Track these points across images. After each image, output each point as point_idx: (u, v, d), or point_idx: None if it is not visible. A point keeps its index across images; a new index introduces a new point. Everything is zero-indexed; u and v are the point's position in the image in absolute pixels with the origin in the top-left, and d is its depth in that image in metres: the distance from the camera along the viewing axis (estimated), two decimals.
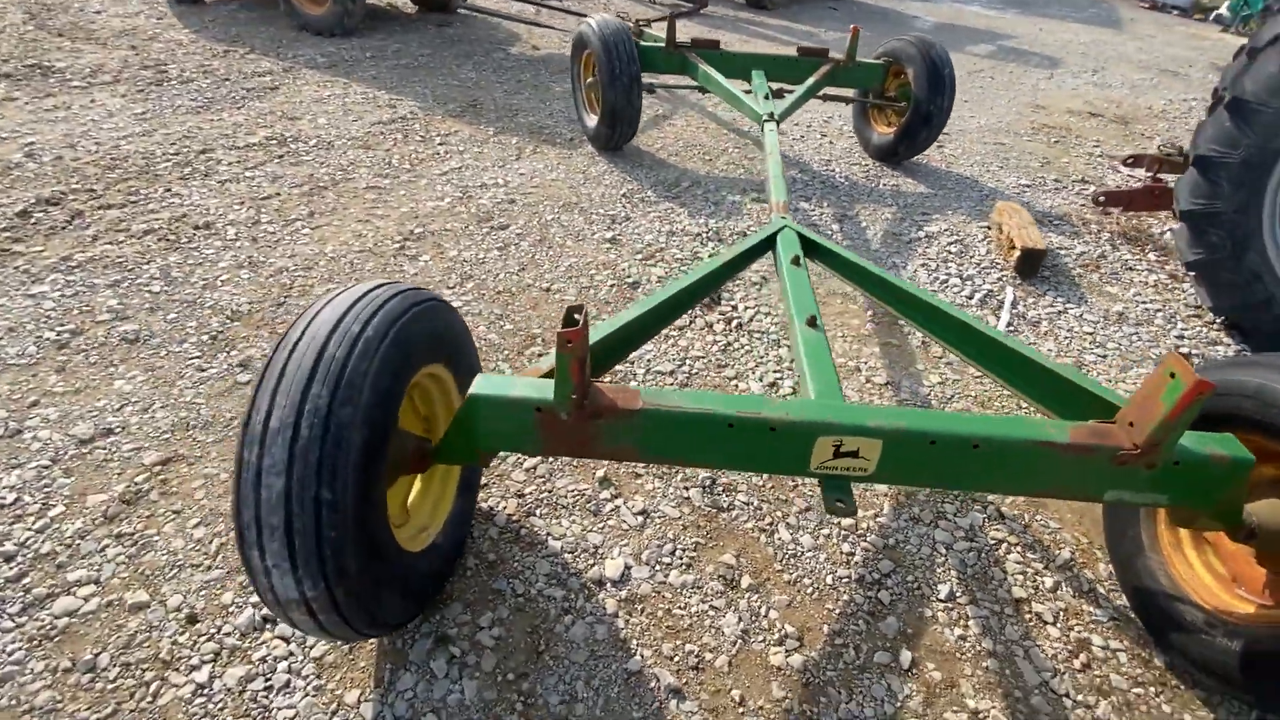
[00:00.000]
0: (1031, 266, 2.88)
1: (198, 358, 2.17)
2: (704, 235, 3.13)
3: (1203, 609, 1.39)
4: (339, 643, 1.41)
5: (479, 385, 1.23)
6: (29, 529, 1.59)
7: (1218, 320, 2.69)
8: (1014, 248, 2.94)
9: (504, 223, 3.11)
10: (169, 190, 3.11)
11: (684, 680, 1.41)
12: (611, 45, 3.46)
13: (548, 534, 1.69)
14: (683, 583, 1.60)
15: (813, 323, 1.60)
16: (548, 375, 1.36)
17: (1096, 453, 1.19)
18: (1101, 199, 3.24)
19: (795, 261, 1.87)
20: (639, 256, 2.94)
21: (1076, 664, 1.49)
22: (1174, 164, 3.34)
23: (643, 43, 3.74)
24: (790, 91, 3.67)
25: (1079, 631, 1.56)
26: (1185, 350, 2.56)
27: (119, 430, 1.88)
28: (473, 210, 3.20)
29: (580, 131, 4.20)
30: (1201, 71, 8.38)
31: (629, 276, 2.79)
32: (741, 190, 3.61)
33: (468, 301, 2.56)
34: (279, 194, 3.19)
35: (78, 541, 1.57)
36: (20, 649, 1.35)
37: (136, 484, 1.73)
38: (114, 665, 1.35)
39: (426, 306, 1.30)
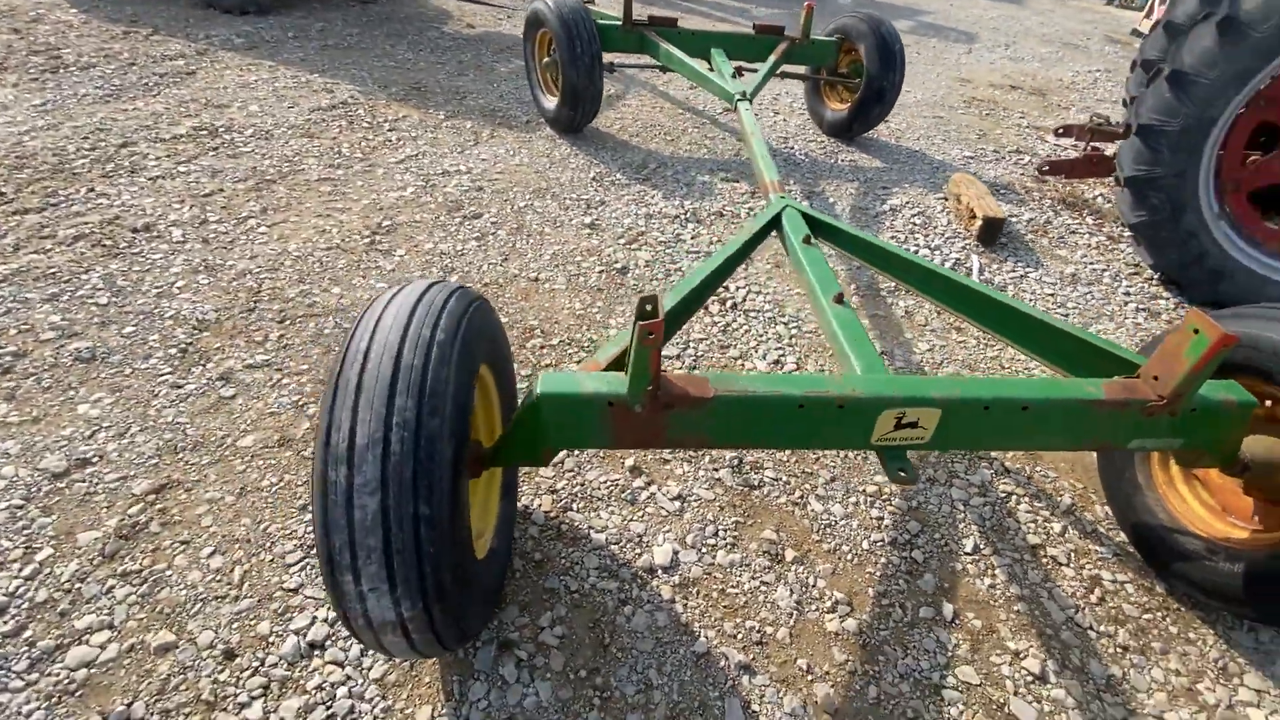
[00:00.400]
0: (992, 234, 3.05)
1: (169, 374, 1.99)
2: (682, 217, 3.12)
3: (1201, 538, 1.54)
4: (414, 660, 1.35)
5: (546, 384, 1.19)
6: (16, 576, 1.42)
7: (1156, 276, 2.96)
8: (974, 217, 3.11)
9: (476, 211, 3.00)
10: (92, 190, 2.80)
11: (751, 656, 1.44)
12: (571, 23, 3.36)
13: (589, 527, 1.67)
14: (730, 562, 1.63)
15: (840, 300, 1.64)
16: (611, 368, 1.34)
17: (1128, 406, 1.29)
18: (1046, 168, 3.47)
19: (806, 241, 1.91)
20: (622, 241, 2.91)
21: (1093, 599, 1.63)
22: (1105, 133, 3.62)
23: (599, 21, 3.65)
24: (750, 70, 3.70)
25: (1089, 569, 1.70)
26: (1132, 305, 2.80)
27: (96, 460, 1.70)
28: (440, 199, 3.06)
29: (537, 114, 4.08)
30: (1098, 44, 9.05)
31: (615, 262, 2.76)
32: (709, 171, 3.62)
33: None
34: (223, 190, 2.94)
35: (77, 585, 1.43)
36: (39, 709, 1.22)
37: (131, 516, 1.58)
38: (151, 714, 1.24)
39: (478, 305, 1.25)
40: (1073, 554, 1.73)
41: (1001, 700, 1.41)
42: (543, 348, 2.27)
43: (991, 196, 3.25)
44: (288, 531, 1.59)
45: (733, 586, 1.58)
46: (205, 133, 3.36)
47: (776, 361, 2.29)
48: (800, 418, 1.25)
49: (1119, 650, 1.52)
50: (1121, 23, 11.00)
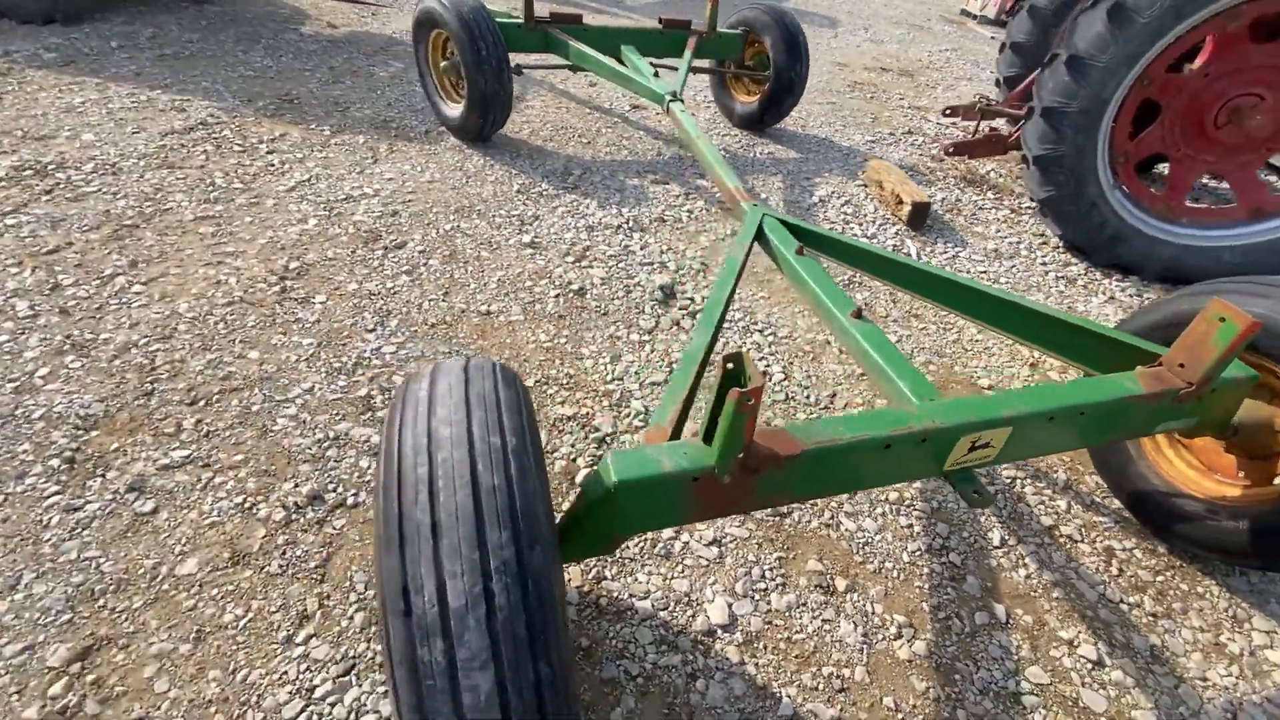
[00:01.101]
0: (920, 218, 3.18)
1: (58, 494, 1.56)
2: (624, 226, 2.97)
3: (1200, 500, 1.66)
4: None
5: (620, 467, 1.01)
6: None
7: (1060, 245, 3.23)
8: (901, 202, 3.22)
9: (397, 240, 2.66)
10: None
11: (839, 707, 1.36)
12: (472, 24, 3.07)
13: (630, 595, 1.51)
14: (786, 604, 1.54)
15: (859, 315, 1.58)
16: (674, 436, 1.19)
17: (1163, 396, 1.33)
18: (950, 150, 3.68)
19: (800, 253, 1.84)
20: (569, 259, 2.71)
21: (1113, 570, 1.71)
22: (993, 113, 3.90)
23: (500, 20, 3.37)
24: (663, 67, 3.59)
25: (1101, 541, 1.79)
26: (1051, 274, 3.03)
27: None
28: (351, 230, 2.69)
29: (434, 122, 3.73)
30: (938, 25, 9.86)
31: (569, 283, 2.56)
32: (637, 174, 3.48)
33: (401, 344, 2.16)
34: (71, 243, 2.39)
35: None
36: None
37: (56, 700, 1.20)
38: None
39: (516, 382, 1.05)
40: (1083, 529, 1.82)
41: (1073, 694, 1.43)
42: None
43: (912, 182, 3.38)
44: (276, 675, 1.29)
45: (797, 632, 1.48)
46: (30, 172, 2.72)
47: (764, 373, 2.22)
48: (885, 458, 1.17)
49: (1150, 619, 1.61)
50: (950, 4, 12.08)
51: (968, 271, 2.95)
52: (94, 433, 1.73)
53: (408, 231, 2.74)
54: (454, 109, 3.47)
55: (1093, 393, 1.29)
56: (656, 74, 3.21)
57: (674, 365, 2.21)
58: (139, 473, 1.64)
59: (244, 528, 1.55)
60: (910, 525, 1.76)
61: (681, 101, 2.91)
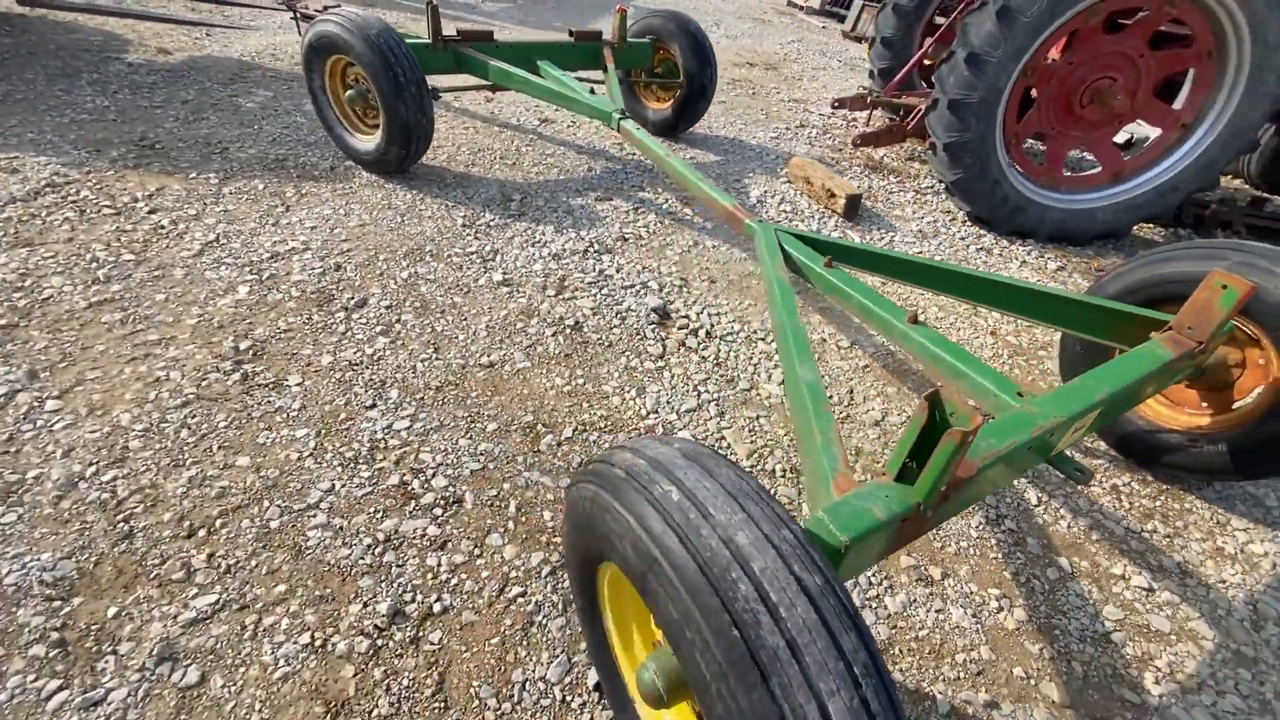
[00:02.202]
0: (853, 209, 3.41)
1: (61, 688, 1.23)
2: (590, 250, 2.87)
3: (1180, 432, 1.96)
4: None
5: (842, 524, 0.99)
6: None
7: (968, 219, 3.61)
8: (834, 195, 3.43)
9: (355, 298, 2.38)
10: None
11: (982, 688, 1.44)
12: (385, 49, 2.79)
13: None
14: (900, 604, 1.60)
15: (915, 320, 1.67)
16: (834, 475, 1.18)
17: (1183, 357, 1.55)
18: (858, 140, 3.97)
19: (829, 265, 1.90)
20: (550, 292, 2.57)
21: (1125, 505, 1.98)
22: (882, 104, 4.26)
23: (407, 40, 3.09)
24: (583, 81, 3.51)
25: (1107, 481, 2.05)
26: (972, 247, 3.38)
27: None
28: (295, 294, 2.36)
29: (335, 157, 3.36)
30: (774, 17, 10.54)
31: (562, 318, 2.43)
32: (577, 192, 3.38)
33: (412, 415, 1.94)
34: None
35: None
36: None
37: None
38: None
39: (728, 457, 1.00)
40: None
41: (1144, 622, 1.64)
42: (560, 445, 1.92)
43: (838, 176, 3.61)
44: None
45: (920, 629, 1.55)
46: None
47: (784, 382, 2.28)
48: (1025, 458, 1.25)
49: (1166, 540, 1.88)
50: None
51: (907, 251, 3.21)
52: (76, 600, 1.38)
53: (362, 286, 2.45)
54: (367, 141, 3.14)
55: (1144, 363, 1.48)
56: (592, 90, 3.13)
57: (699, 390, 2.19)
58: (161, 636, 1.33)
59: (326, 671, 1.32)
60: None
61: (629, 117, 2.86)
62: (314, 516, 1.61)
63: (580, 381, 2.17)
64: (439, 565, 1.55)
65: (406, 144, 3.00)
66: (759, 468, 1.93)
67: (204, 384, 1.93)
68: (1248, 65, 2.89)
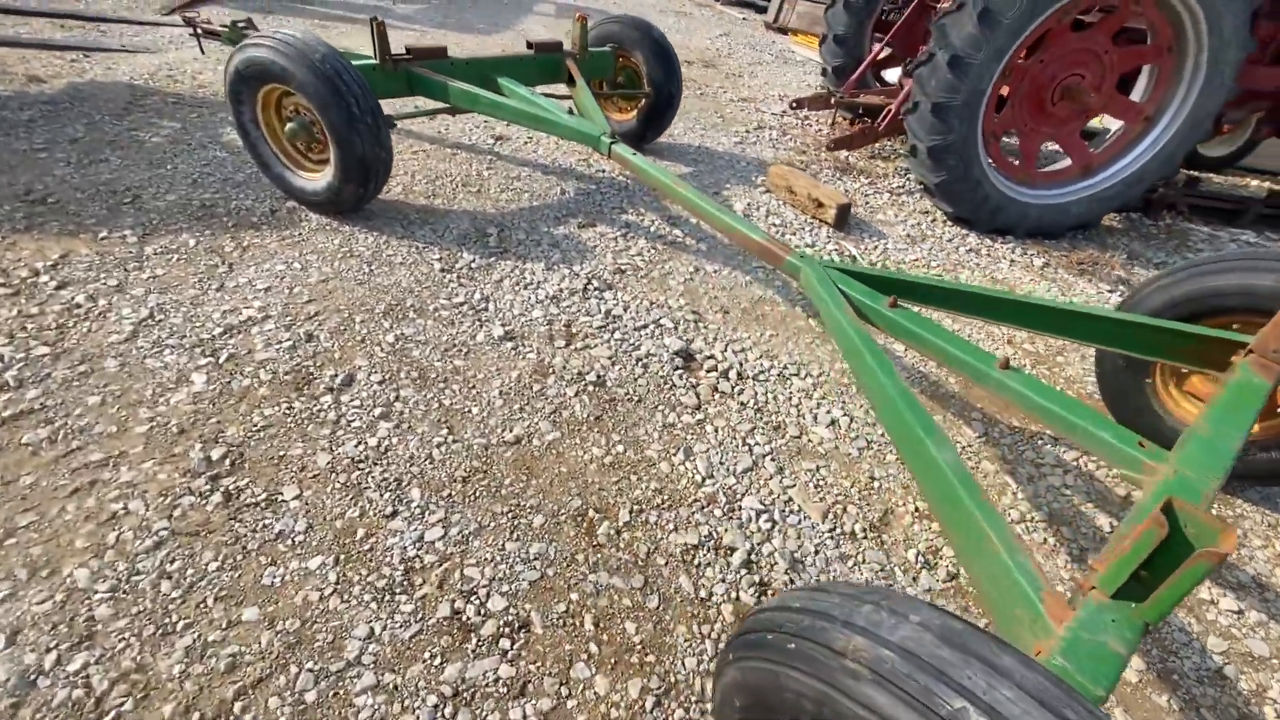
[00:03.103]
0: (844, 219, 3.32)
1: None
2: (589, 288, 2.62)
3: None
4: None
5: (1094, 676, 0.85)
6: None
7: (947, 219, 3.61)
8: (822, 205, 3.32)
9: (342, 376, 2.04)
10: None
11: None
12: (334, 76, 2.42)
13: None
14: None
15: (1007, 365, 1.56)
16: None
17: (1276, 383, 1.51)
18: (832, 145, 3.88)
19: (894, 305, 1.76)
20: (559, 344, 2.32)
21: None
22: (845, 104, 4.21)
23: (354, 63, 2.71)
24: (556, 98, 3.23)
25: None
26: (962, 248, 3.37)
27: None
28: (265, 377, 1.99)
29: (277, 197, 2.93)
30: (693, 9, 10.44)
31: (582, 373, 2.19)
32: (556, 220, 3.11)
33: (443, 519, 1.65)
34: None
35: None
36: None
37: None
38: None
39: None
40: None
41: (1245, 650, 1.62)
42: (621, 533, 1.69)
43: (820, 183, 3.51)
44: None
45: None
46: None
47: (832, 422, 2.13)
48: None
49: (1235, 552, 1.88)
50: None
51: (910, 263, 3.16)
52: None
53: (344, 359, 2.11)
54: (315, 179, 2.74)
55: (1252, 398, 1.42)
56: (572, 111, 2.85)
57: (750, 444, 2.02)
58: None
59: None
60: (1044, 540, 1.84)
61: (619, 139, 2.62)
62: (358, 677, 1.32)
63: (620, 449, 1.94)
64: (525, 718, 1.30)
65: (364, 181, 2.64)
66: (838, 530, 1.77)
67: (177, 514, 1.57)
68: (1205, 59, 2.99)
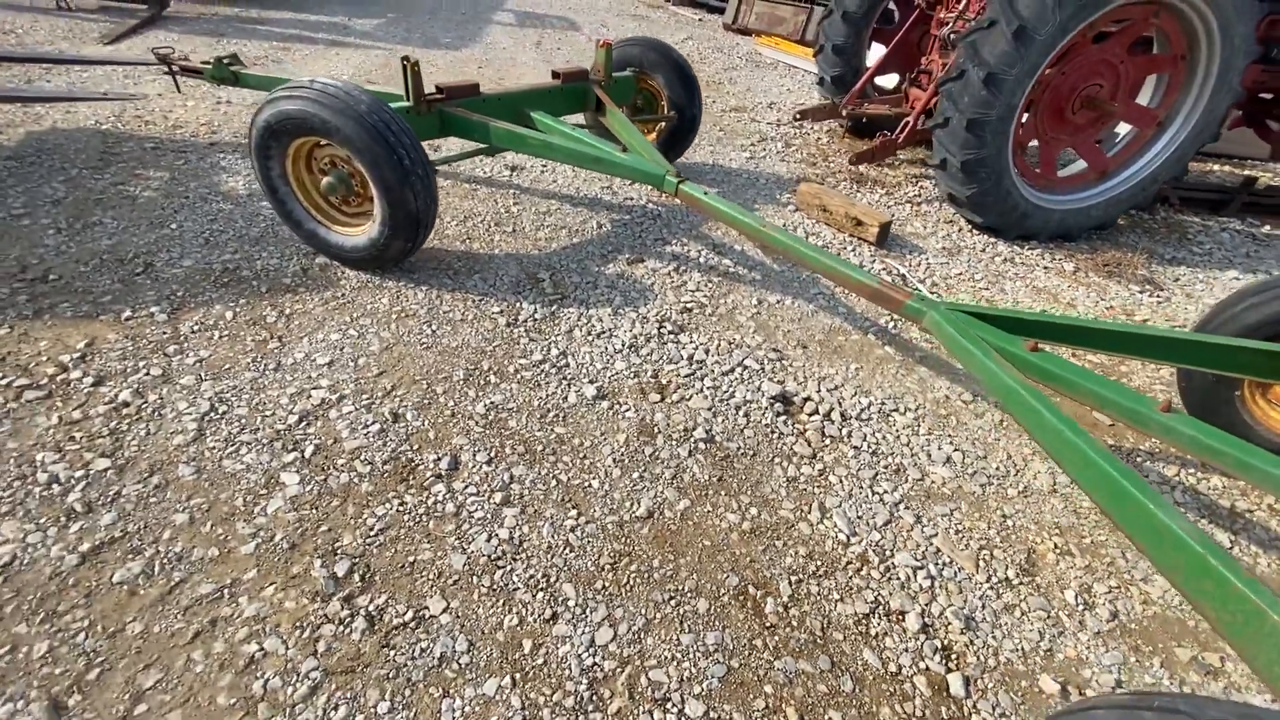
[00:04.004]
0: (884, 236, 3.32)
1: None
2: (662, 332, 2.52)
3: None
4: None
5: None
6: None
7: (975, 228, 3.67)
8: (861, 224, 3.32)
9: (445, 459, 1.88)
10: None
11: None
12: (383, 128, 2.24)
13: None
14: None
15: (1169, 407, 1.56)
16: None
17: None
18: (855, 159, 3.89)
19: (1034, 349, 1.74)
20: (654, 398, 2.21)
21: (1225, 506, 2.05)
22: (859, 115, 4.23)
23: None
24: (582, 127, 3.10)
25: (1266, 501, 2.12)
26: (998, 258, 3.43)
27: None
28: (363, 469, 1.82)
29: (305, 253, 2.71)
30: (648, 11, 10.36)
31: (689, 430, 2.09)
32: (602, 258, 2.99)
33: (606, 617, 1.54)
34: None
35: None
36: None
37: None
38: None
39: None
40: (1251, 501, 2.13)
41: None
42: (789, 609, 1.62)
43: (856, 201, 3.50)
44: None
45: None
46: None
47: (948, 460, 2.12)
48: None
49: None
50: None
51: (957, 276, 3.19)
52: None
53: (441, 438, 1.96)
54: (354, 235, 2.54)
55: None
56: (625, 149, 2.72)
57: (883, 495, 1.98)
58: None
59: None
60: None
61: (685, 177, 2.52)
62: None
63: (754, 512, 1.87)
64: None
65: (413, 235, 2.46)
66: (993, 578, 1.75)
67: (322, 649, 1.41)
68: (1216, 66, 3.13)
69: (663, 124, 3.61)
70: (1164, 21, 3.08)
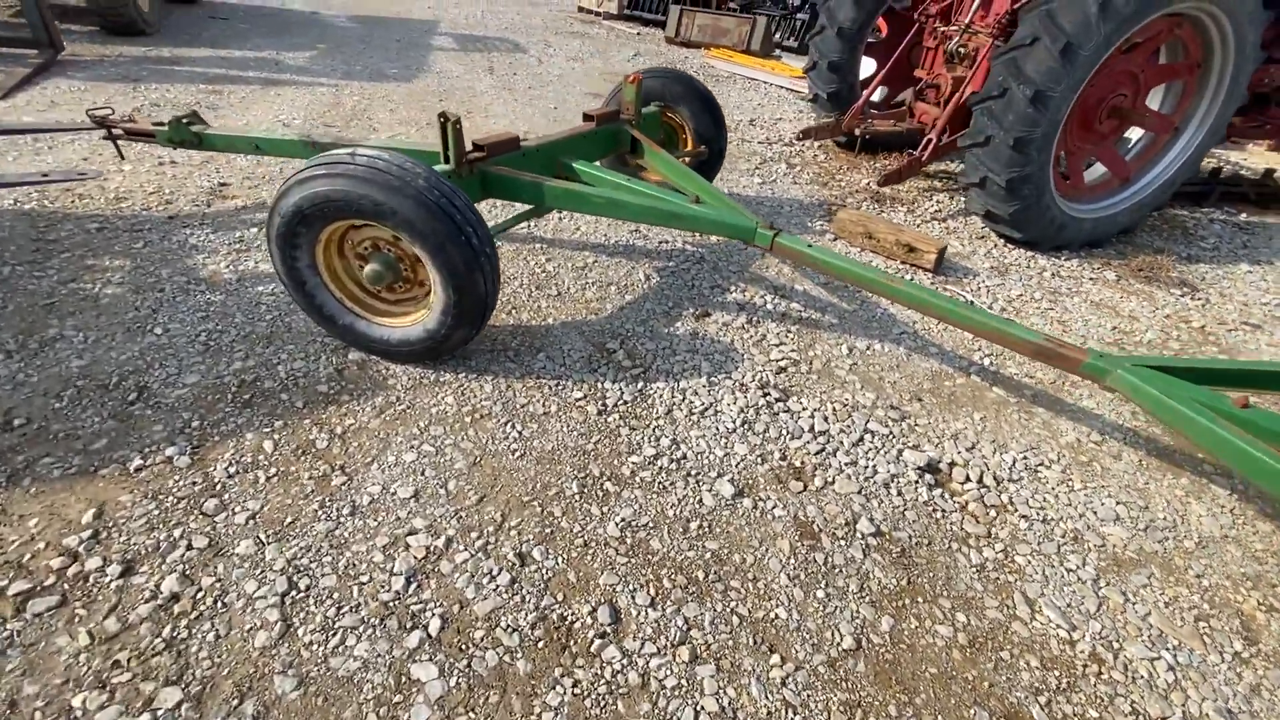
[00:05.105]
0: (940, 261, 3.20)
1: None
2: (769, 401, 2.25)
3: None
4: None
5: None
6: None
7: (1011, 243, 3.61)
8: (914, 250, 3.18)
9: (600, 609, 1.55)
10: None
11: None
12: (445, 202, 1.87)
13: None
14: None
15: None
16: None
17: None
18: (882, 181, 3.77)
19: (1244, 404, 1.60)
20: (796, 486, 1.94)
21: None
22: (874, 133, 4.13)
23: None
24: (629, 170, 2.80)
25: None
26: (1046, 273, 3.38)
27: None
28: (510, 642, 1.46)
29: (331, 350, 2.28)
30: (582, 26, 10.09)
31: (851, 525, 1.84)
32: (665, 316, 2.69)
33: None
34: None
35: None
36: None
37: None
38: None
39: None
40: None
41: None
42: None
43: (904, 226, 3.36)
44: None
45: None
46: None
47: (1116, 517, 1.96)
48: None
49: None
50: (563, 4, 12.55)
51: (1019, 298, 3.09)
52: None
53: (584, 581, 1.61)
54: (402, 325, 2.14)
55: None
56: (699, 200, 2.42)
57: (1077, 571, 1.79)
58: None
59: None
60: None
61: (782, 230, 2.27)
62: None
63: (961, 618, 1.64)
64: None
65: (478, 322, 2.10)
66: (1224, 655, 1.60)
67: None
68: (1229, 73, 3.20)
69: (688, 159, 3.35)
70: (1184, 31, 3.12)
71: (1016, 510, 1.96)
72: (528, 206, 2.56)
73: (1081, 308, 3.10)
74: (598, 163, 2.73)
